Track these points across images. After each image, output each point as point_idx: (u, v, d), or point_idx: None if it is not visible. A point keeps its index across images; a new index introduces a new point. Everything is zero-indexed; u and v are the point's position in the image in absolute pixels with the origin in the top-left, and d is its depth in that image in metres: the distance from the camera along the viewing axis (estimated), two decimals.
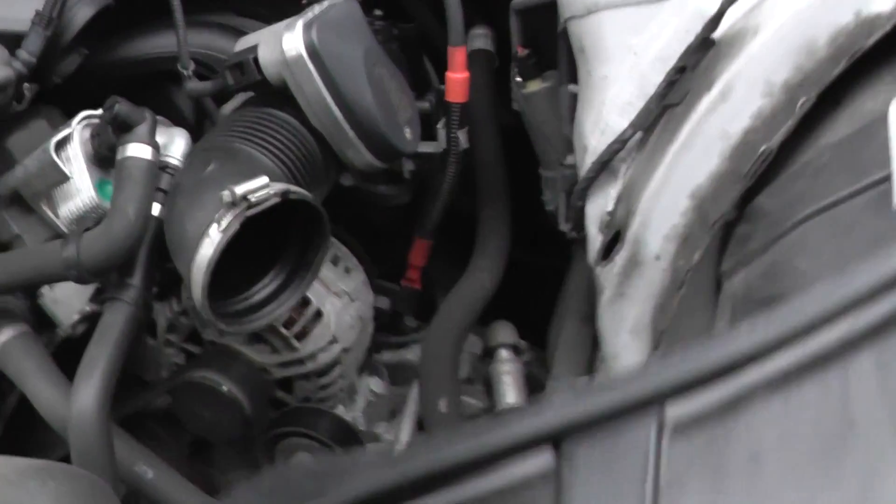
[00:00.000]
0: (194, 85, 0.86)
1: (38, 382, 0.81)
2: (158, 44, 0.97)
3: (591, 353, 0.92)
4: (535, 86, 0.94)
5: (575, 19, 0.75)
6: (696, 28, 0.67)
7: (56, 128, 0.84)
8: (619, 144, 0.71)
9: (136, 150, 0.78)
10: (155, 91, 1.00)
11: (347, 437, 0.89)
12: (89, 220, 0.80)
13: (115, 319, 0.77)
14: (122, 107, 0.77)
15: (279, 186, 0.70)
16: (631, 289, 0.70)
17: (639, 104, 0.71)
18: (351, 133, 0.80)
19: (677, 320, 0.67)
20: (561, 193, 0.86)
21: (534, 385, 1.01)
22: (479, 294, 0.95)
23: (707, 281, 0.66)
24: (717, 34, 0.65)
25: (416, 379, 0.97)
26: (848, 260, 0.34)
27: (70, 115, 0.83)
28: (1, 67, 0.76)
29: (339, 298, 0.90)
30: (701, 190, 0.64)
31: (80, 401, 0.72)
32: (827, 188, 0.56)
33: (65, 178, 0.81)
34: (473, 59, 1.04)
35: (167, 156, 0.81)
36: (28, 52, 0.78)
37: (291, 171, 0.79)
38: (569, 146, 0.91)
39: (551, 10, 0.83)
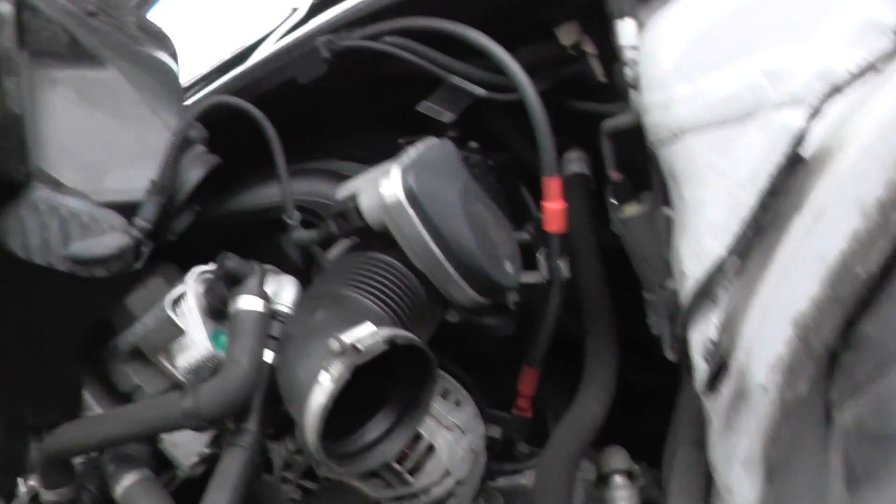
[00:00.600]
0: (301, 234, 0.95)
1: None
2: (264, 195, 1.08)
3: (707, 480, 0.91)
4: (631, 210, 0.97)
5: (662, 145, 0.79)
6: (784, 145, 0.69)
7: (171, 283, 0.94)
8: (717, 271, 0.73)
9: (247, 302, 0.86)
10: (264, 239, 1.10)
11: None
12: (206, 369, 0.88)
13: (233, 464, 0.83)
14: (231, 262, 0.86)
15: (386, 333, 0.76)
16: (740, 421, 0.70)
17: (733, 226, 0.73)
18: (453, 271, 0.86)
19: (790, 452, 0.67)
20: (664, 319, 0.88)
21: None
22: (589, 422, 0.96)
23: (817, 411, 0.65)
24: (805, 151, 0.67)
25: None
26: None
27: (185, 267, 0.93)
28: (119, 235, 0.86)
29: (450, 432, 0.94)
30: (803, 317, 0.64)
31: None
32: None
33: (181, 333, 0.90)
34: (569, 183, 1.09)
35: (278, 304, 0.89)
36: (145, 220, 0.89)
37: (397, 314, 0.85)
38: (669, 269, 0.93)
39: (642, 132, 0.88)
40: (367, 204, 0.87)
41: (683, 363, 0.86)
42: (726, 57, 0.73)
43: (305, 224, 1.01)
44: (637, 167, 1.00)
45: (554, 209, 0.95)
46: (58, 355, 0.91)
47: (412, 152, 0.90)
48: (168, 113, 0.94)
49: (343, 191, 0.94)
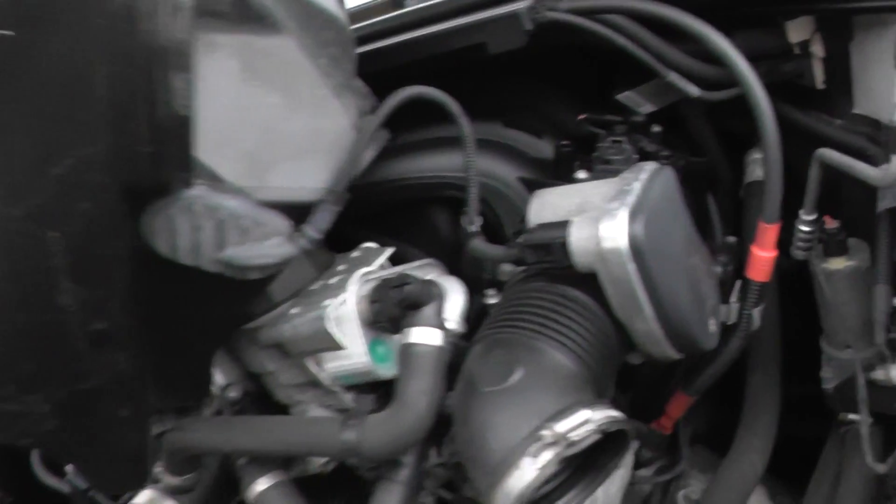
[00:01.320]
0: (483, 247, 0.88)
1: None
2: (424, 166, 0.99)
3: None
4: (838, 263, 0.91)
5: None
6: None
7: (319, 269, 0.87)
8: None
9: (425, 335, 0.80)
10: (414, 212, 1.02)
11: None
12: (366, 401, 0.84)
13: (388, 501, 0.81)
14: (412, 288, 0.79)
15: (599, 420, 0.71)
16: None
17: None
18: (660, 333, 0.80)
19: None
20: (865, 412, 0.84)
21: None
22: (750, 476, 0.95)
23: None
24: None
25: None
26: None
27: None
28: (284, 244, 0.77)
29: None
30: None
31: None
32: None
33: (337, 348, 0.84)
34: (749, 192, 1.02)
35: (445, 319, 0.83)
36: (316, 230, 0.80)
37: (592, 369, 0.80)
38: (866, 331, 0.89)
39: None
40: (577, 243, 0.79)
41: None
42: None
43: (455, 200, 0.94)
44: (848, 213, 0.93)
45: (764, 258, 0.88)
46: (195, 344, 0.85)
47: (633, 182, 0.81)
48: (348, 93, 0.83)
49: (540, 207, 0.86)
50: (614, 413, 0.74)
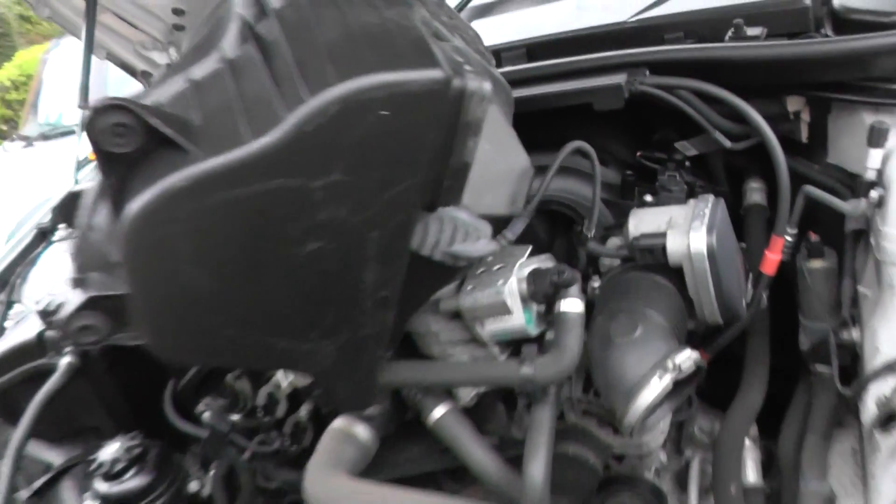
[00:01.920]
0: (596, 247, 1.35)
1: (471, 447, 1.31)
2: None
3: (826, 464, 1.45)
4: (817, 264, 1.43)
5: (894, 266, 1.23)
6: None
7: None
8: None
9: (573, 305, 1.27)
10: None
11: (659, 497, 1.40)
12: (509, 336, 1.29)
13: (545, 416, 1.27)
14: (567, 275, 1.25)
15: (696, 358, 1.20)
16: None
17: None
18: (717, 308, 1.30)
19: None
20: (834, 365, 1.36)
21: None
22: (753, 408, 1.47)
23: None
24: None
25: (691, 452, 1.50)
26: None
27: None
28: (490, 243, 1.22)
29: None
30: None
31: (533, 476, 1.22)
32: None
33: (507, 313, 1.29)
34: (750, 212, 1.53)
35: None
36: (512, 233, 1.26)
37: (678, 330, 1.28)
38: (834, 311, 1.41)
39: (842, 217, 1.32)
40: (672, 247, 1.28)
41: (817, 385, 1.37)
42: None
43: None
44: (823, 229, 1.46)
45: (773, 259, 1.40)
46: (415, 305, 1.28)
47: (705, 209, 1.30)
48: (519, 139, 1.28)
49: (640, 220, 1.34)
50: (697, 353, 1.23)
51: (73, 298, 1.09)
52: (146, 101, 1.07)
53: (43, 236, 2.17)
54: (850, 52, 1.35)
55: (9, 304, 2.02)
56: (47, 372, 1.67)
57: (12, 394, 1.75)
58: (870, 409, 1.29)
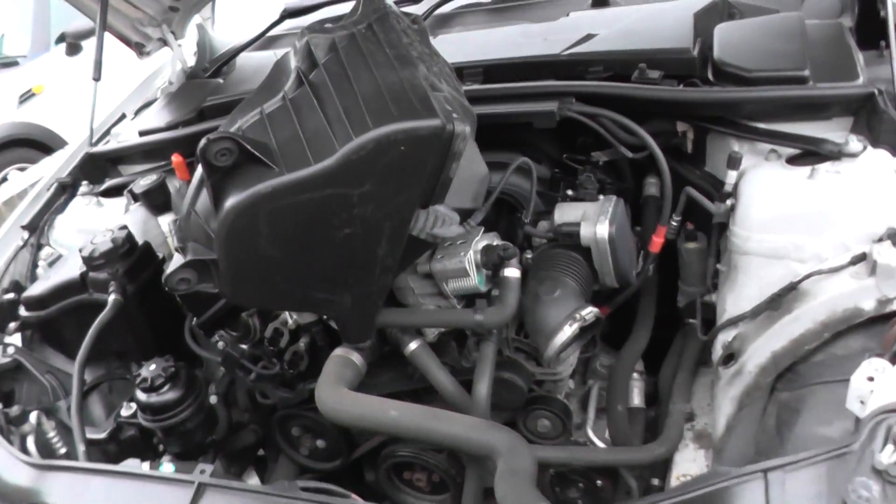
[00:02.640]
0: (531, 230, 2.17)
1: (436, 371, 2.13)
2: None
3: (691, 393, 2.33)
4: (691, 245, 2.29)
5: (735, 250, 2.09)
6: (791, 277, 2.02)
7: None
8: (742, 318, 2.08)
9: (513, 272, 2.07)
10: None
11: (566, 413, 2.26)
12: (465, 292, 2.10)
13: (489, 351, 2.09)
14: (510, 251, 2.07)
15: (597, 312, 2.04)
16: (735, 383, 2.06)
17: (756, 300, 2.05)
18: (613, 276, 2.14)
19: (751, 400, 2.03)
20: (699, 318, 2.23)
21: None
22: (639, 349, 2.33)
23: (767, 389, 2.02)
24: (797, 282, 2.01)
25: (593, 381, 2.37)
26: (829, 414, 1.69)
27: None
28: (458, 228, 2.01)
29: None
30: (778, 351, 2.01)
31: (480, 393, 2.05)
32: (828, 375, 1.93)
33: (466, 276, 2.10)
34: (647, 202, 2.39)
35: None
36: (474, 221, 2.06)
37: (584, 291, 2.12)
38: (703, 278, 2.28)
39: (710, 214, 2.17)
40: (584, 234, 2.09)
41: (689, 334, 2.25)
42: (781, 231, 2.02)
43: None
44: (696, 221, 2.31)
45: (657, 242, 2.24)
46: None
47: (609, 207, 2.13)
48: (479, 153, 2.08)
49: (564, 212, 2.16)
50: (597, 310, 2.08)
51: (176, 260, 1.87)
52: (233, 127, 1.84)
53: (63, 189, 2.89)
54: (722, 100, 2.18)
55: (39, 246, 2.74)
56: (88, 305, 2.40)
57: (58, 323, 2.49)
58: (718, 350, 2.15)
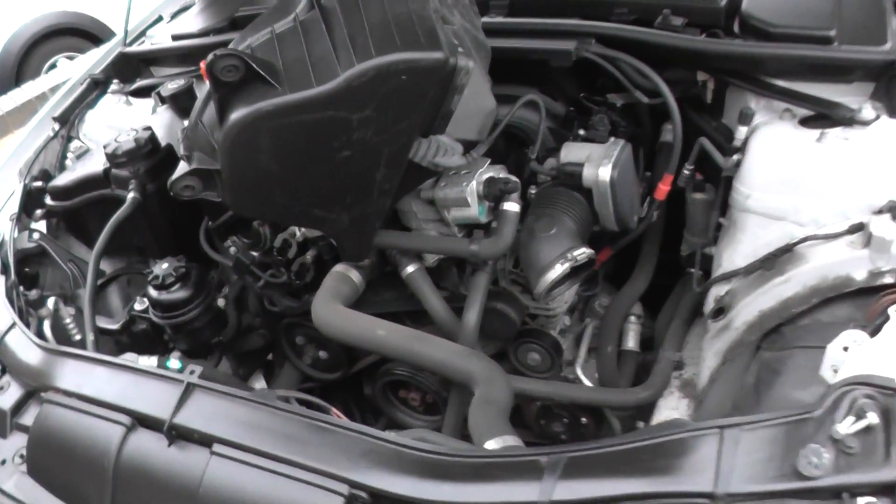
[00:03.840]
0: (536, 166, 2.21)
1: (430, 295, 2.21)
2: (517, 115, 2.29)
3: (683, 341, 2.38)
4: (699, 196, 2.31)
5: (735, 206, 2.12)
6: (786, 238, 2.04)
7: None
8: (735, 274, 2.11)
9: (512, 206, 2.13)
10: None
11: (557, 348, 2.33)
12: (466, 221, 2.16)
13: (482, 280, 2.16)
14: (511, 185, 2.11)
15: (589, 252, 2.09)
16: (722, 336, 2.11)
17: (750, 258, 2.09)
18: (614, 220, 2.18)
19: (735, 355, 2.07)
20: (697, 269, 2.27)
21: (644, 339, 2.47)
22: (636, 292, 2.38)
23: (752, 347, 2.06)
24: (793, 245, 2.03)
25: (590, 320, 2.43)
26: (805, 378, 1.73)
27: None
28: (459, 157, 2.07)
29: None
30: (766, 310, 2.04)
31: (469, 320, 2.13)
32: (810, 340, 1.96)
33: (466, 206, 2.15)
34: (661, 148, 2.41)
35: None
36: (477, 153, 2.11)
37: (582, 230, 2.17)
38: (707, 230, 2.31)
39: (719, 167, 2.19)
40: (587, 176, 2.13)
41: (688, 283, 2.28)
42: (782, 193, 2.04)
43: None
44: (707, 172, 2.33)
45: (663, 189, 2.26)
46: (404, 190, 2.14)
47: (614, 151, 2.16)
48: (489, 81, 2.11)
49: (570, 152, 2.20)
50: (591, 250, 2.12)
51: (181, 167, 1.95)
52: (243, 44, 1.90)
53: (95, 85, 2.99)
54: (741, 53, 2.18)
55: (69, 139, 2.86)
56: (111, 200, 2.51)
57: (81, 214, 2.62)
58: (710, 303, 2.19)
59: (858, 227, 1.89)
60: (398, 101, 1.83)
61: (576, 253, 2.05)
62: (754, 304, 2.03)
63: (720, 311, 2.12)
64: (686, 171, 2.28)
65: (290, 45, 1.90)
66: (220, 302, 2.50)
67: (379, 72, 1.77)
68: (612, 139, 2.26)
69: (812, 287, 1.93)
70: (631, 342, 2.43)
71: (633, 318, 2.44)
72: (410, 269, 2.20)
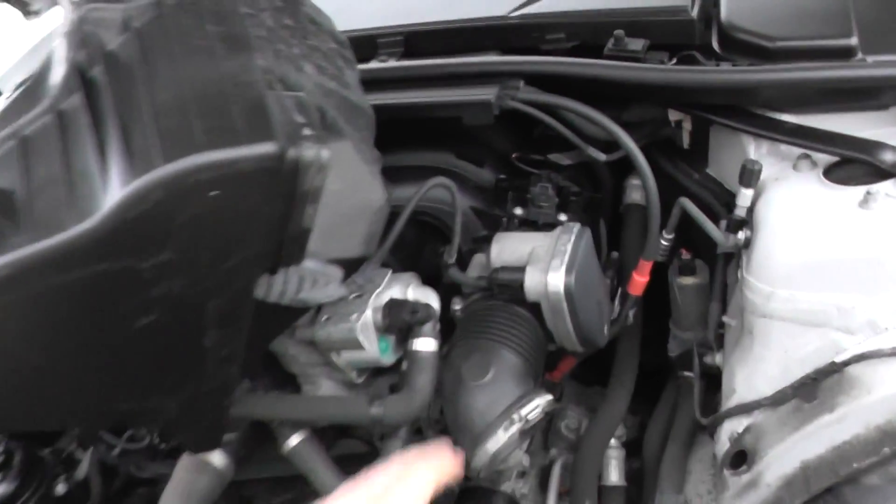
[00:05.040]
0: (459, 276, 1.41)
1: (322, 474, 1.40)
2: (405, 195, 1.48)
3: (684, 474, 1.59)
4: (688, 280, 1.53)
5: (754, 313, 1.33)
6: (829, 354, 1.27)
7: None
8: (759, 405, 1.33)
9: (427, 344, 1.34)
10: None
11: None
12: (382, 384, 1.37)
13: (394, 449, 1.36)
14: (421, 314, 1.32)
15: (544, 405, 1.30)
16: (746, 497, 1.34)
17: (779, 382, 1.32)
18: (575, 339, 1.38)
19: None
20: (698, 391, 1.47)
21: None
22: (617, 418, 1.59)
23: None
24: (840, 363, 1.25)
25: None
26: None
27: None
28: (339, 287, 1.26)
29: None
30: (812, 462, 1.26)
31: None
32: None
33: (359, 347, 1.35)
34: (629, 211, 1.61)
35: None
36: (362, 279, 1.31)
37: (532, 364, 1.37)
38: (700, 322, 1.52)
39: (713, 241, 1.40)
40: (531, 285, 1.34)
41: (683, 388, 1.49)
42: (819, 287, 1.26)
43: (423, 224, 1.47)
44: (695, 244, 1.54)
45: (641, 282, 1.48)
46: (263, 342, 1.34)
47: (567, 245, 1.36)
48: (376, 166, 1.31)
49: (502, 251, 1.40)
50: (549, 397, 1.33)
51: None
52: None
53: None
54: (731, 83, 1.39)
55: None
56: None
57: None
58: (723, 443, 1.41)
59: None
60: (213, 230, 1.04)
61: (525, 410, 1.28)
62: (793, 453, 1.27)
63: (741, 458, 1.34)
64: (664, 244, 1.49)
65: (40, 155, 1.09)
66: (60, 488, 1.68)
67: (169, 191, 0.98)
68: (563, 220, 1.47)
69: (882, 429, 1.19)
70: (614, 475, 1.65)
71: (613, 442, 1.65)
72: (293, 441, 1.40)
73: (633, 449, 1.74)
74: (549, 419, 1.73)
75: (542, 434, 1.73)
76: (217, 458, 1.44)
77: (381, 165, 1.37)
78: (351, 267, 1.31)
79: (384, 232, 1.33)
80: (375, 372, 1.45)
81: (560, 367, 1.64)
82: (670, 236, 1.52)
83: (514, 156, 1.58)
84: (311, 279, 1.22)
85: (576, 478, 1.55)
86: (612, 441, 1.67)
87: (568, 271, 1.33)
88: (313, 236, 1.21)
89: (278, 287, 1.20)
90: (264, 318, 1.23)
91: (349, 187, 1.24)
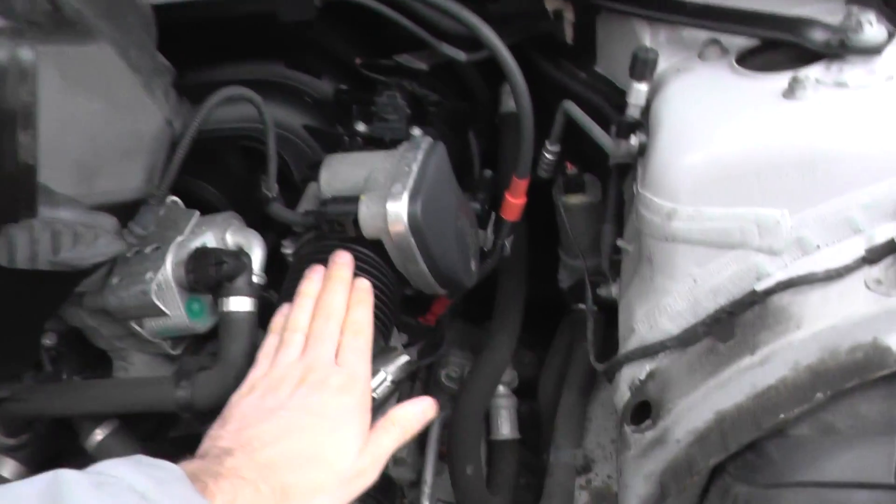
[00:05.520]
0: (283, 212, 1.07)
1: None
2: (220, 117, 1.13)
3: (584, 424, 1.31)
4: (575, 199, 1.22)
5: (651, 238, 1.02)
6: (750, 279, 0.98)
7: None
8: (663, 347, 1.04)
9: (240, 304, 1.01)
10: (209, 154, 1.17)
11: (385, 493, 1.25)
12: (174, 333, 1.05)
13: None
14: (228, 266, 0.99)
15: (393, 373, 0.99)
16: (652, 455, 1.06)
17: (687, 318, 1.03)
18: (431, 279, 1.07)
19: (678, 482, 1.03)
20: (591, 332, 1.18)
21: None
22: (500, 367, 1.29)
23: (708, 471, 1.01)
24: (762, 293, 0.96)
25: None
26: None
27: None
28: (113, 241, 0.91)
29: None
30: (729, 412, 0.98)
31: None
32: (818, 467, 0.91)
33: (161, 313, 1.02)
34: (505, 121, 1.29)
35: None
36: (142, 227, 0.97)
37: (388, 322, 1.06)
38: (592, 247, 1.22)
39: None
40: (366, 219, 1.00)
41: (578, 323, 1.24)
42: (733, 200, 0.96)
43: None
44: (584, 156, 1.23)
45: (516, 203, 1.16)
46: (28, 321, 0.99)
47: (413, 165, 1.02)
48: (157, 79, 0.95)
49: (334, 177, 1.06)
50: (402, 359, 1.02)
51: None
52: None
53: None
54: None
55: None
56: None
57: None
58: (622, 391, 1.13)
59: (888, 249, 0.89)
60: None
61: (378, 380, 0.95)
62: (706, 403, 1.00)
63: (644, 410, 1.07)
64: (548, 157, 1.18)
65: None
66: None
67: None
68: (416, 133, 1.13)
69: (812, 369, 0.92)
70: (505, 428, 1.37)
71: (502, 390, 1.36)
72: (98, 436, 1.07)
73: (532, 390, 1.46)
74: (429, 367, 1.43)
75: (423, 385, 1.43)
76: (7, 468, 1.11)
77: (171, 79, 1.01)
78: (130, 213, 0.96)
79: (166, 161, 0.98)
80: (198, 339, 1.11)
81: (433, 310, 1.32)
82: (554, 148, 1.20)
83: (357, 61, 1.23)
84: (70, 233, 0.88)
85: (452, 439, 1.25)
86: (501, 389, 1.38)
87: (413, 198, 0.99)
88: (64, 175, 0.86)
89: (23, 249, 0.85)
90: (21, 291, 0.89)
91: (113, 106, 0.89)
